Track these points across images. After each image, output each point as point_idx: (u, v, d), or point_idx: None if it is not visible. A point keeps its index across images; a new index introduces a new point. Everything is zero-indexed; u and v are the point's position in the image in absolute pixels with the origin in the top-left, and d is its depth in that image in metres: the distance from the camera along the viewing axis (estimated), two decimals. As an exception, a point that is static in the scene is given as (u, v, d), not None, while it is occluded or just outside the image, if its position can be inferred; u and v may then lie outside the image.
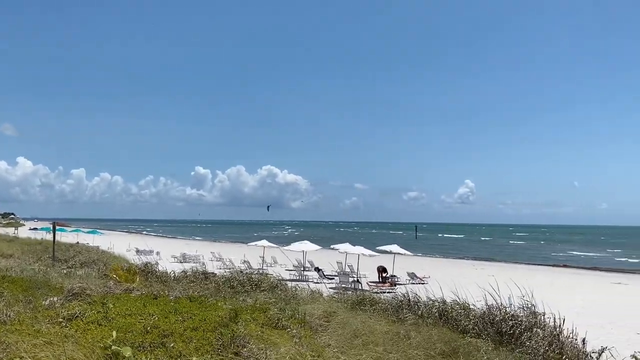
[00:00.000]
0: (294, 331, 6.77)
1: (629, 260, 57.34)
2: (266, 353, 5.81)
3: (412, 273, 28.48)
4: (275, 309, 7.96)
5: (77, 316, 7.27)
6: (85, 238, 52.55)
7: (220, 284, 12.39)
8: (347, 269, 29.30)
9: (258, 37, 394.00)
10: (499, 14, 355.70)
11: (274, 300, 9.39)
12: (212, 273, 14.67)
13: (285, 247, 31.02)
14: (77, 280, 11.03)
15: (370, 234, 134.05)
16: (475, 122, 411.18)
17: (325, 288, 15.47)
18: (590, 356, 7.60)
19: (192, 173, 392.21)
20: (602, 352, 7.68)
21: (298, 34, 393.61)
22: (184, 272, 14.57)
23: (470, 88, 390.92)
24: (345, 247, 28.55)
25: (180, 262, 33.48)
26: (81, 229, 70.32)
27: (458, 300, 9.43)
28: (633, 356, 9.83)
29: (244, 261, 31.39)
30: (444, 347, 6.17)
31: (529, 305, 8.61)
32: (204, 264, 24.27)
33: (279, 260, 36.05)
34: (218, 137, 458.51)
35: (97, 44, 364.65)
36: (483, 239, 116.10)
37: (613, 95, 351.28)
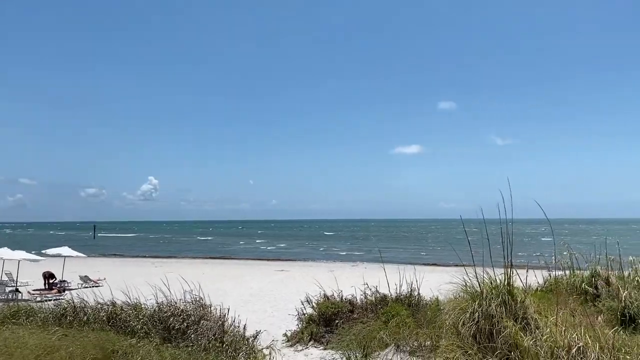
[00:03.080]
0: None
1: (290, 250, 66.55)
2: None
3: (86, 276, 26.58)
4: None
5: None
6: None
7: None
8: (5, 278, 25.31)
9: None
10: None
11: None
12: None
13: None
14: None
15: (39, 235, 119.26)
16: (165, 120, 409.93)
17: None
18: (248, 340, 8.47)
19: None
20: (258, 334, 8.71)
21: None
22: None
23: (147, 90, 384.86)
24: (2, 252, 24.54)
25: None
26: None
27: (129, 301, 9.25)
28: (284, 334, 11.51)
29: None
30: (98, 354, 5.89)
31: (198, 299, 9.06)
32: None
33: None
34: None
35: None
36: (165, 236, 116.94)
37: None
